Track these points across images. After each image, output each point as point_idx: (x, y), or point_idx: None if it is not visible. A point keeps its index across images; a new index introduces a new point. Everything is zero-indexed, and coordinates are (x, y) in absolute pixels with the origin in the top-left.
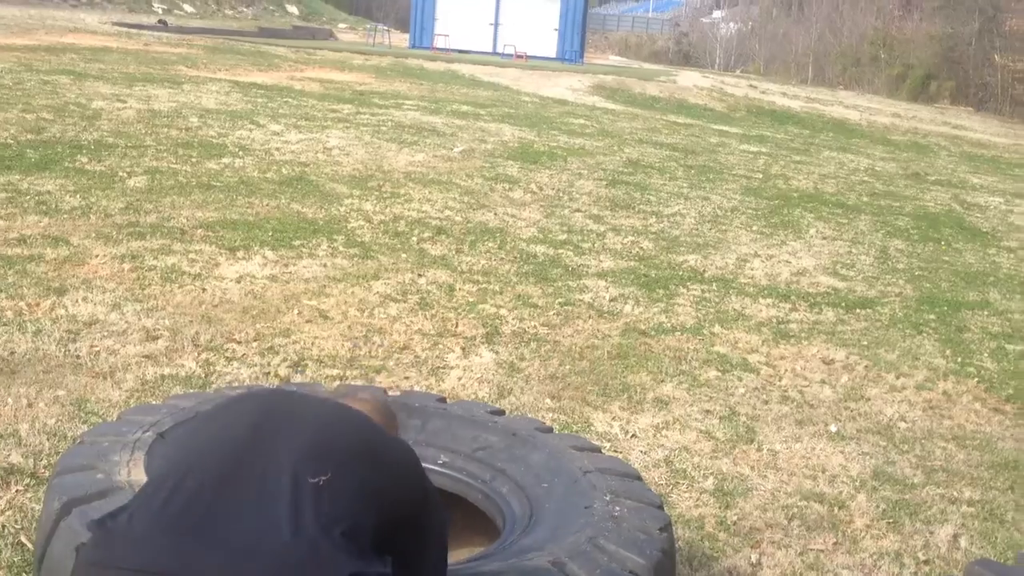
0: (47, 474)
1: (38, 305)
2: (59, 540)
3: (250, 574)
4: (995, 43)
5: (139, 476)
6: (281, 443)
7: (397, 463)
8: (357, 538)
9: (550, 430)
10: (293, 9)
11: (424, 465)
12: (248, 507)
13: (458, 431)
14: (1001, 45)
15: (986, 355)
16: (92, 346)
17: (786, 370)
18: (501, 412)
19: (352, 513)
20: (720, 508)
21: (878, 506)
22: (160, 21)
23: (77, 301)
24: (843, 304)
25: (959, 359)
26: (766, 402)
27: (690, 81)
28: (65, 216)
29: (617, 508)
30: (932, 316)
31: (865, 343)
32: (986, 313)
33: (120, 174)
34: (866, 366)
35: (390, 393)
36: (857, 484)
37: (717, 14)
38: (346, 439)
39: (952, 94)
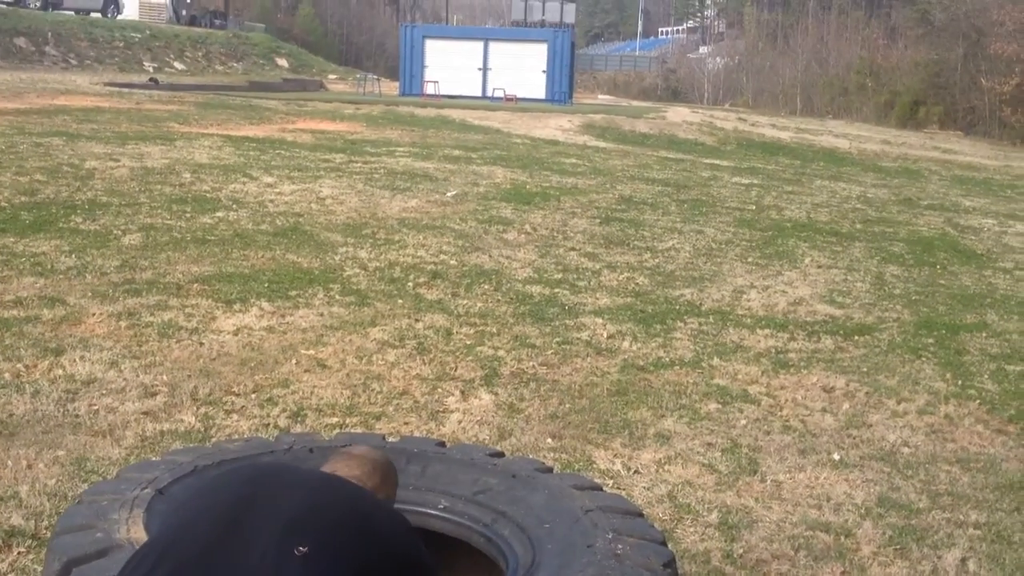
0: (48, 535)
1: (36, 366)
2: None
3: None
4: (980, 67)
5: (138, 534)
6: (267, 515)
7: (386, 534)
8: None
9: (550, 470)
10: (283, 62)
11: (425, 510)
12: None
13: (458, 475)
14: (987, 68)
15: (986, 377)
16: (91, 405)
17: (787, 400)
18: (500, 454)
19: None
20: (726, 541)
21: (884, 533)
22: (151, 79)
23: (75, 360)
24: (841, 331)
25: (960, 382)
26: (768, 433)
27: (679, 117)
28: (61, 276)
29: (620, 546)
30: (931, 340)
31: (865, 370)
32: (984, 335)
33: (115, 232)
34: (867, 393)
35: (388, 439)
36: (863, 511)
37: (703, 50)
38: (333, 511)
39: (940, 119)
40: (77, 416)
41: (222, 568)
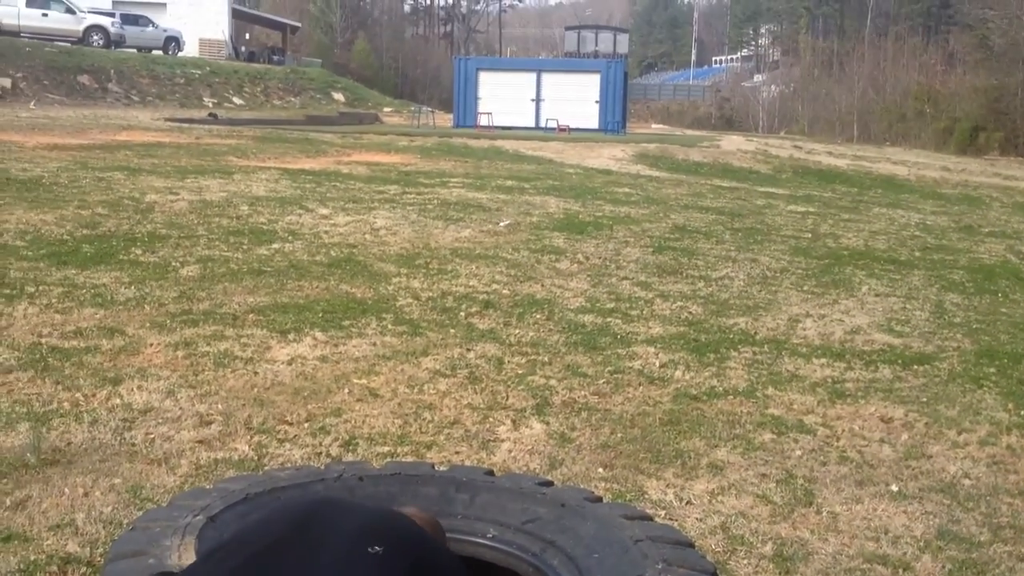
0: (102, 562)
1: (94, 395)
2: None
3: None
4: None
5: (190, 559)
6: (340, 521)
7: (448, 567)
8: None
9: (600, 499)
10: (339, 96)
11: (473, 539)
12: (308, 566)
13: (507, 504)
14: None
15: None
16: (147, 433)
17: (843, 430)
18: (550, 483)
19: None
20: (780, 574)
21: (944, 566)
22: (210, 114)
23: (132, 390)
24: (900, 361)
25: (1022, 412)
26: (824, 464)
27: (734, 145)
28: (120, 307)
29: None
30: (992, 369)
31: (924, 400)
32: None
33: (173, 264)
34: (926, 423)
35: (437, 468)
36: (921, 544)
37: (758, 78)
38: (403, 530)
39: (1001, 145)
40: (133, 444)
41: (293, 561)
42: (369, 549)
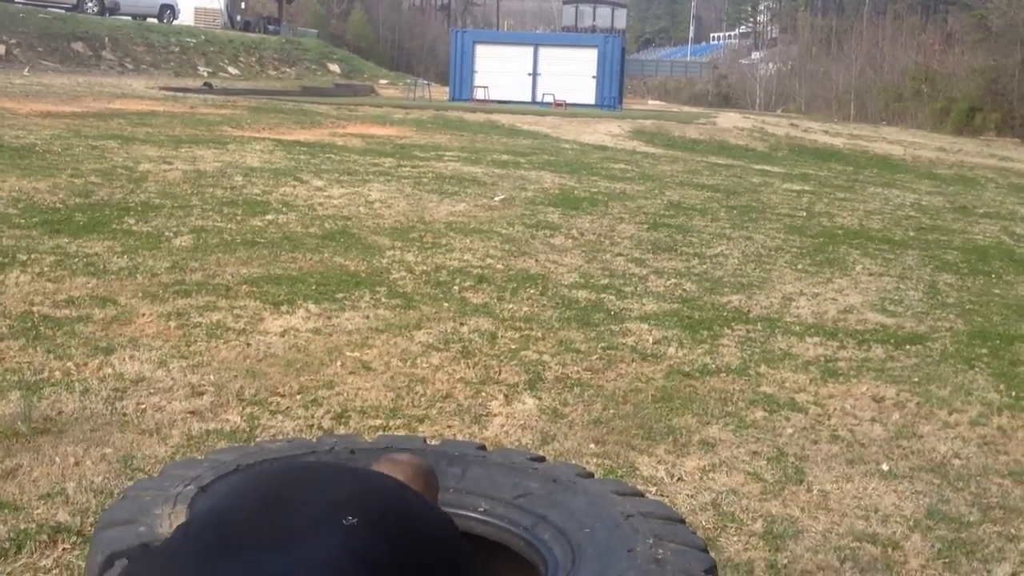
0: (92, 531)
1: (86, 365)
2: None
3: None
4: None
5: None
6: (316, 494)
7: (430, 528)
8: None
9: (591, 475)
10: (335, 67)
11: (464, 513)
12: (281, 539)
13: (498, 478)
14: None
15: None
16: (139, 403)
17: (835, 409)
18: (542, 458)
19: (378, 563)
20: (770, 551)
21: (933, 546)
22: (205, 84)
23: (124, 360)
24: (892, 340)
25: (1013, 393)
26: (815, 442)
27: (730, 122)
28: (112, 277)
29: (660, 551)
30: (984, 350)
31: (916, 379)
32: None
33: (166, 234)
34: (917, 403)
35: (429, 442)
36: (911, 524)
37: (756, 55)
38: (380, 498)
39: (997, 126)
40: (125, 415)
41: (269, 533)
42: (344, 521)
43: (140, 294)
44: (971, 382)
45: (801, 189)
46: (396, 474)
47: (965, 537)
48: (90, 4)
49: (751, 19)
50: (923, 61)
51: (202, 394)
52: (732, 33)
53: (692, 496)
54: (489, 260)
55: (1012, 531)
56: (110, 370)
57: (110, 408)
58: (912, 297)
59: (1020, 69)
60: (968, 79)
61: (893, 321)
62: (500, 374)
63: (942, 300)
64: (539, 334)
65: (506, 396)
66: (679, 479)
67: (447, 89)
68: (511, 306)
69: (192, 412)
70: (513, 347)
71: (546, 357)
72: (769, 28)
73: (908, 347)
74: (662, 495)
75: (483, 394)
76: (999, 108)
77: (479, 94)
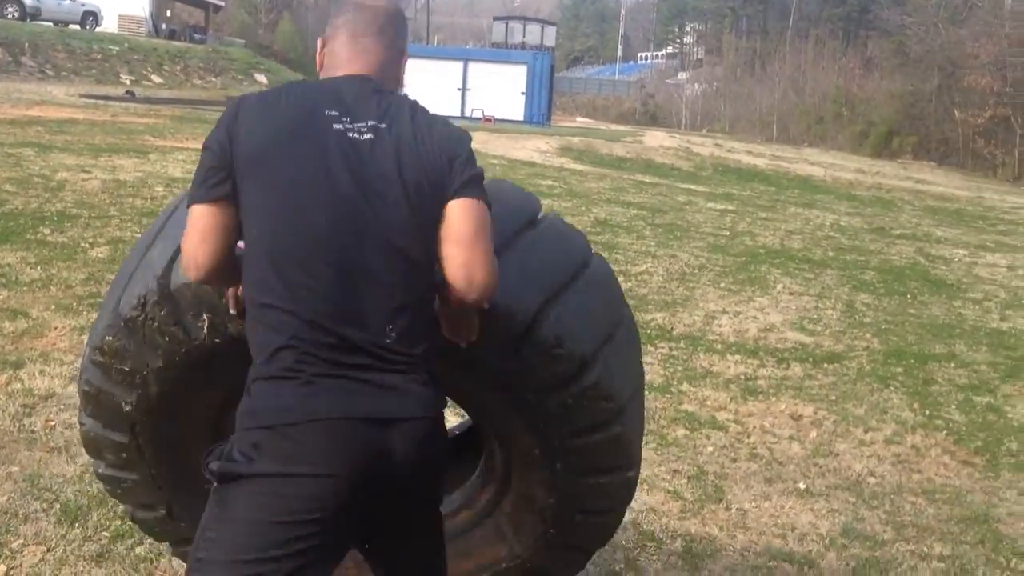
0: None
1: None
2: None
3: None
4: (954, 98)
5: None
6: None
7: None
8: None
9: None
10: (262, 78)
11: None
12: None
13: None
14: (960, 100)
15: (954, 407)
16: (47, 420)
17: (755, 427)
18: None
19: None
20: (689, 571)
21: (848, 564)
22: (128, 92)
23: (34, 375)
24: (811, 359)
25: (927, 412)
26: (734, 460)
27: (657, 141)
28: (25, 288)
29: None
30: (899, 369)
31: (833, 398)
32: (953, 365)
33: (82, 245)
34: (834, 421)
35: None
36: (827, 542)
37: (682, 75)
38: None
39: (914, 149)
40: (33, 432)
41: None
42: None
43: (53, 306)
44: (886, 401)
45: (725, 208)
46: None
47: (879, 555)
48: (10, 9)
49: (678, 40)
50: (843, 85)
51: None
52: (659, 53)
53: None
54: None
55: (925, 549)
56: (19, 385)
57: (17, 425)
58: (830, 316)
59: (936, 94)
60: (886, 103)
61: (812, 340)
62: None
63: (859, 319)
64: None
65: None
66: None
67: None
68: None
69: None
70: None
71: None
72: (695, 49)
73: (826, 366)
74: None
75: None
76: (916, 132)
77: None
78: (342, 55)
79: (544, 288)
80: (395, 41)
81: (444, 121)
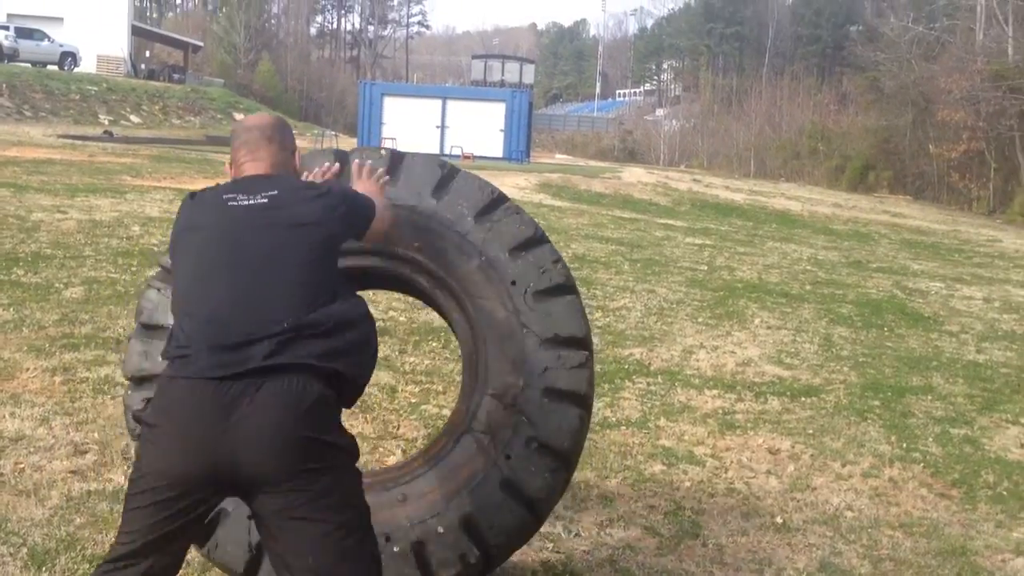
0: None
1: None
2: None
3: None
4: (929, 133)
5: None
6: None
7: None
8: None
9: None
10: (241, 117)
11: None
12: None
13: None
14: (935, 135)
15: (931, 440)
16: (17, 463)
17: (732, 461)
18: None
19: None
20: None
21: None
22: (106, 132)
23: (4, 417)
24: (788, 393)
25: (904, 445)
26: (712, 495)
27: (635, 177)
28: None
29: None
30: (876, 402)
31: (811, 431)
32: (930, 398)
33: (56, 285)
34: (812, 455)
35: None
36: None
37: (660, 112)
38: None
39: (890, 183)
40: (2, 475)
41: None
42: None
43: (25, 348)
44: (864, 434)
45: (703, 243)
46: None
47: None
48: None
49: (656, 77)
50: (819, 120)
51: (85, 452)
52: (637, 90)
53: (588, 552)
54: (392, 312)
55: None
56: None
57: None
58: (808, 350)
59: (911, 129)
60: (862, 138)
61: (789, 374)
62: (399, 429)
63: (836, 353)
64: (440, 388)
65: (404, 451)
66: (576, 535)
67: (356, 140)
68: (413, 359)
69: (73, 472)
70: (413, 401)
71: (446, 411)
72: (673, 86)
73: (803, 399)
74: (559, 551)
75: (380, 450)
76: (891, 166)
77: (387, 146)
78: (245, 166)
79: None
80: (284, 144)
81: (327, 189)
